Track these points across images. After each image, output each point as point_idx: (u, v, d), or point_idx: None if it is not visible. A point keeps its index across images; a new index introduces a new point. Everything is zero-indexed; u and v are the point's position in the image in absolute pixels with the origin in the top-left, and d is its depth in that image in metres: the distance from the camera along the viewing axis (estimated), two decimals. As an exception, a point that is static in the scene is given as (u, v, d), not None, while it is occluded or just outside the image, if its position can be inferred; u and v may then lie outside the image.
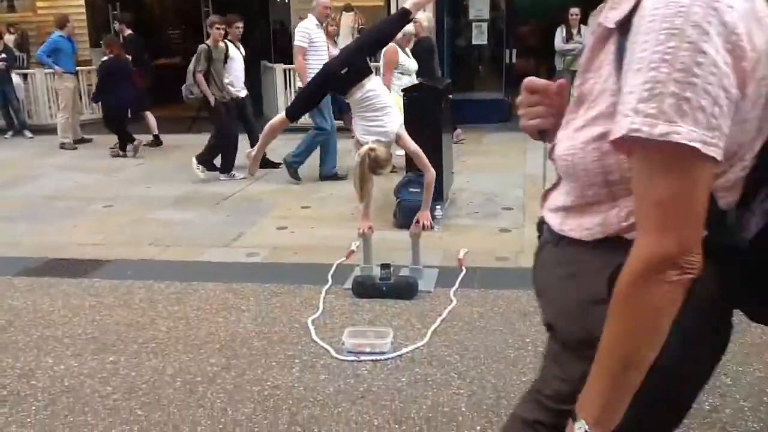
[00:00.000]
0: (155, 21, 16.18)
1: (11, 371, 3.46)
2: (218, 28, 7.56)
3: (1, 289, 4.59)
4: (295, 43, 7.25)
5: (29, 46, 12.70)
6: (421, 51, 7.85)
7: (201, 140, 9.44)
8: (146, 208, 6.53)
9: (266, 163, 7.40)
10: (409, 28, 6.87)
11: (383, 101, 4.37)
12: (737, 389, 3.09)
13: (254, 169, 4.84)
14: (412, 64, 7.46)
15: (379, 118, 4.31)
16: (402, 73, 7.33)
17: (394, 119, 4.36)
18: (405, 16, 4.48)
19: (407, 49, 7.45)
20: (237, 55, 8.01)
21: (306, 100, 4.82)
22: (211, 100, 7.50)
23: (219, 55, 7.58)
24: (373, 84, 4.38)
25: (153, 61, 14.42)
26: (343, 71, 4.35)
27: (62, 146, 9.81)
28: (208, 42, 7.61)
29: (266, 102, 11.73)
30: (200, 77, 7.44)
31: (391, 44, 7.07)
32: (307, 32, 7.17)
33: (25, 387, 3.30)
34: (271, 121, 4.59)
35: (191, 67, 7.56)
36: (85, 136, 10.34)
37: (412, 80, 7.26)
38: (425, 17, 8.23)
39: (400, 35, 6.80)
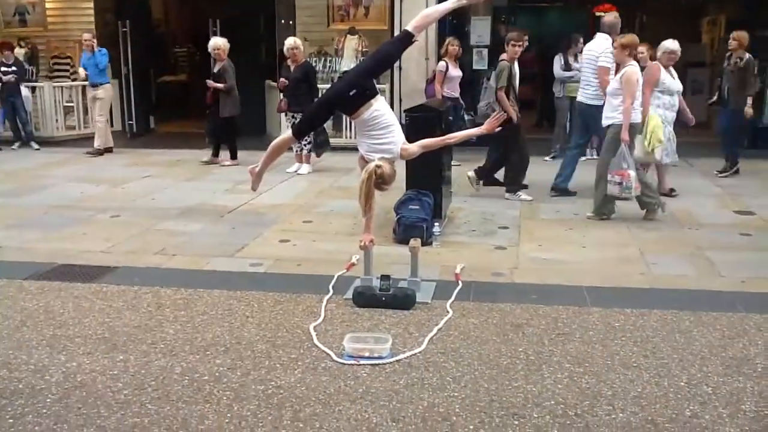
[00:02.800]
0: (162, 39, 16.46)
1: (25, 366, 3.62)
2: (515, 45, 7.40)
3: (13, 291, 4.75)
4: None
5: (39, 60, 12.95)
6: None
7: (197, 155, 9.69)
8: (152, 218, 6.71)
9: (493, 182, 7.69)
10: (672, 44, 7.15)
11: (388, 120, 4.48)
12: (717, 398, 3.25)
13: (257, 185, 4.99)
14: (675, 85, 7.33)
15: (384, 136, 4.44)
16: (662, 92, 7.20)
17: (398, 137, 4.49)
18: (408, 37, 4.63)
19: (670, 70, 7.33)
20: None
21: (312, 120, 5.02)
22: (514, 117, 7.29)
23: (515, 71, 7.55)
24: (379, 104, 4.50)
25: (158, 78, 14.75)
26: (351, 93, 4.47)
27: (89, 152, 10.46)
28: (505, 58, 7.45)
29: (269, 121, 11.98)
30: (501, 94, 7.29)
31: (654, 62, 7.34)
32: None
33: (39, 381, 3.45)
34: (276, 140, 4.80)
35: (492, 83, 7.49)
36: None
37: (673, 101, 7.28)
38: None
39: (663, 53, 7.07)
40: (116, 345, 3.88)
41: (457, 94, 9.57)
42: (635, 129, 6.50)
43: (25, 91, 11.32)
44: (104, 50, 10.69)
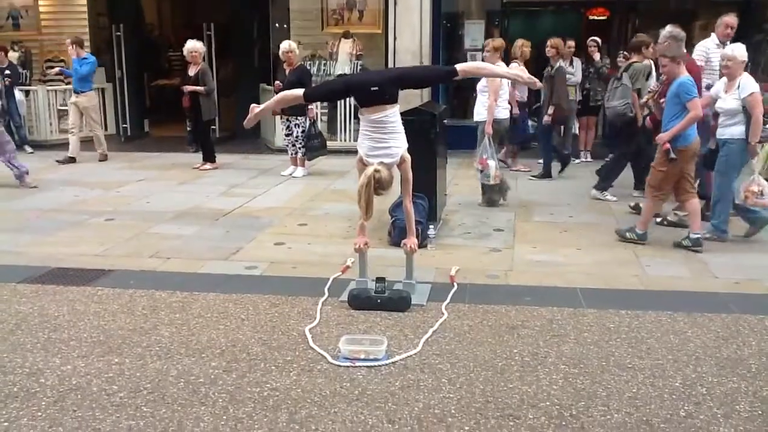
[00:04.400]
0: (156, 43, 16.44)
1: (20, 370, 3.60)
2: (648, 48, 7.35)
3: (7, 294, 4.73)
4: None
5: (32, 63, 12.92)
6: None
7: (192, 158, 9.67)
8: (147, 222, 6.70)
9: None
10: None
11: (396, 128, 4.45)
12: (711, 398, 3.27)
13: (251, 124, 4.99)
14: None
15: (387, 141, 4.42)
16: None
17: (401, 144, 4.46)
18: (451, 74, 4.56)
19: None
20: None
21: (327, 91, 5.11)
22: (640, 119, 7.16)
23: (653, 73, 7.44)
24: (393, 111, 4.44)
25: (152, 81, 14.74)
26: (372, 88, 4.40)
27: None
28: (644, 61, 7.43)
29: (263, 124, 11.97)
30: (635, 95, 7.24)
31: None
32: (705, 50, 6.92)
33: (34, 385, 3.44)
34: (288, 92, 4.78)
35: (627, 83, 7.28)
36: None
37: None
38: None
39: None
40: (111, 348, 3.87)
41: (525, 100, 9.37)
42: (499, 124, 7.34)
43: (18, 94, 11.30)
44: (91, 57, 10.48)
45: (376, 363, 3.63)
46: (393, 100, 4.46)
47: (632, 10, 12.19)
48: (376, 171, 4.23)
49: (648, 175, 6.07)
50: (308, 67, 10.10)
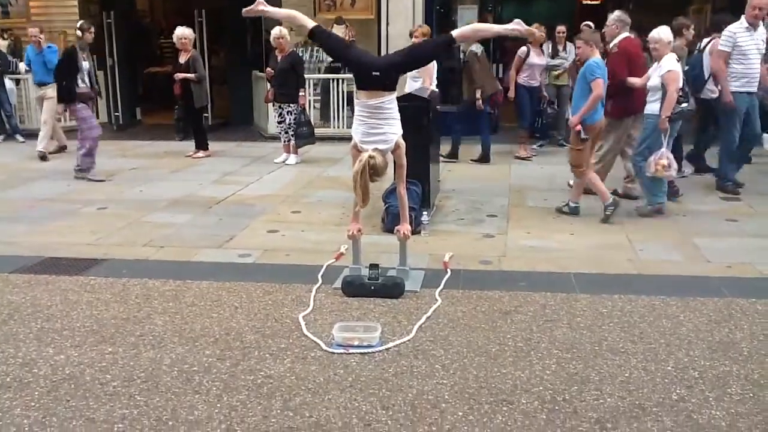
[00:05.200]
0: (147, 30, 16.32)
1: (13, 360, 3.60)
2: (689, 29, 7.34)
3: (0, 284, 4.72)
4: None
5: (22, 51, 12.80)
6: None
7: (185, 146, 9.63)
8: (140, 210, 6.67)
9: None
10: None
11: (392, 114, 4.41)
12: (703, 381, 3.29)
13: (250, 14, 5.06)
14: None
15: (382, 126, 4.38)
16: None
17: (396, 130, 4.44)
18: (449, 41, 4.57)
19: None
20: None
21: (329, 45, 4.94)
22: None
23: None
24: (390, 98, 4.40)
25: (144, 69, 14.64)
26: (374, 72, 4.36)
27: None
28: (681, 43, 7.28)
29: (256, 111, 11.93)
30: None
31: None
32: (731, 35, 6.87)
33: (27, 375, 3.44)
34: (297, 13, 4.74)
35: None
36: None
37: None
38: None
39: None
40: (104, 337, 3.86)
41: (536, 83, 9.18)
42: None
43: (9, 83, 11.20)
44: (54, 47, 9.92)
45: (369, 350, 3.64)
46: (392, 87, 4.44)
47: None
48: (371, 157, 4.21)
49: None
50: (300, 54, 10.05)
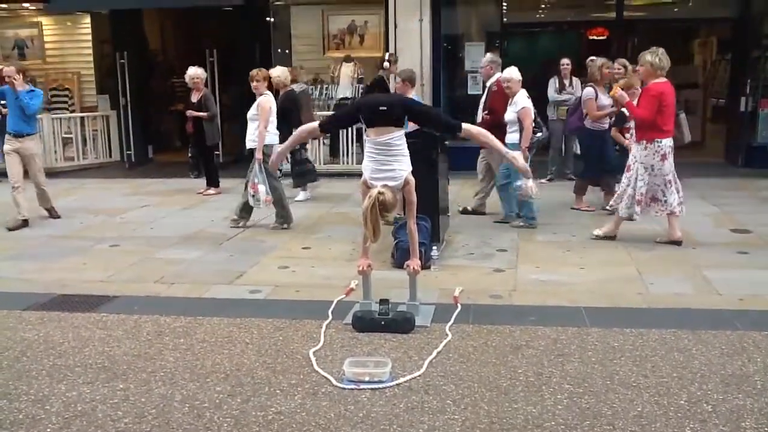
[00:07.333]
0: (160, 69, 16.57)
1: (25, 397, 3.61)
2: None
3: (13, 322, 4.75)
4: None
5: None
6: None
7: (196, 184, 9.72)
8: (151, 247, 6.73)
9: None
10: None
11: (401, 151, 4.50)
12: (717, 416, 3.26)
13: (277, 162, 5.57)
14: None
15: (392, 164, 4.46)
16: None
17: (406, 167, 4.50)
18: (455, 129, 4.68)
19: None
20: None
21: (338, 118, 5.26)
22: None
23: None
24: (398, 135, 4.49)
25: (156, 108, 14.84)
26: (381, 108, 4.48)
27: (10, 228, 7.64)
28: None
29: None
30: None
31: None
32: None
33: (39, 411, 3.45)
34: (304, 126, 4.96)
35: None
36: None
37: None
38: None
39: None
40: (116, 374, 3.88)
41: (606, 127, 7.89)
42: (270, 149, 7.08)
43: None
44: (39, 91, 7.99)
45: (380, 385, 3.63)
46: (400, 123, 4.51)
47: (631, 30, 12.29)
48: (380, 193, 4.26)
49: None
50: (310, 91, 10.16)
